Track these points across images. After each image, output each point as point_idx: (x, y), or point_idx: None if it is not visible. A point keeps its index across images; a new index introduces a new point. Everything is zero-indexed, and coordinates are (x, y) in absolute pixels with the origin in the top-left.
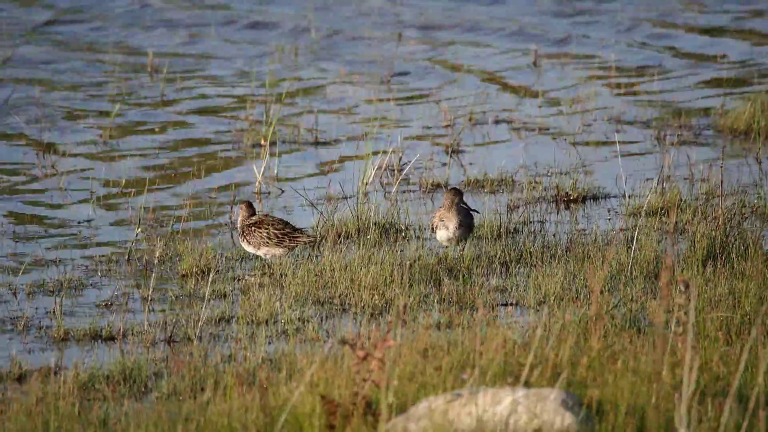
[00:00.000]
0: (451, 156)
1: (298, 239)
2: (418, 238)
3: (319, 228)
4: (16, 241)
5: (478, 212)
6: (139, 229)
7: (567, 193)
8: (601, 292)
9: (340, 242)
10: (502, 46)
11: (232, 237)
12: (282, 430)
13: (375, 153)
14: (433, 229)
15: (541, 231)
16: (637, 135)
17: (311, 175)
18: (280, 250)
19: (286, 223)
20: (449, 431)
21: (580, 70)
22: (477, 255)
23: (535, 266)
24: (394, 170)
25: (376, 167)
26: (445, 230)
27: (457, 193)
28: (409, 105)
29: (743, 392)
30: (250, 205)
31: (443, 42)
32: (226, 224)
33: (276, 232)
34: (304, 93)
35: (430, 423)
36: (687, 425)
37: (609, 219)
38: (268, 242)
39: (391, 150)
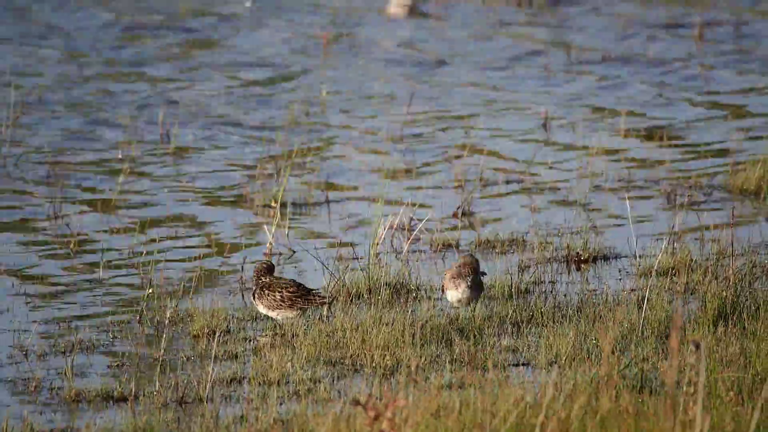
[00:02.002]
0: (461, 216)
1: (311, 302)
2: (429, 298)
3: (330, 288)
4: (27, 302)
5: (485, 273)
6: (150, 290)
7: (578, 253)
8: (612, 352)
9: (352, 302)
10: (513, 106)
11: (243, 298)
12: None
13: (386, 214)
14: (443, 289)
15: (552, 291)
16: (647, 194)
17: (322, 236)
18: (293, 312)
19: (299, 285)
20: None
21: (590, 130)
22: (488, 315)
23: (546, 326)
24: (405, 230)
25: (386, 227)
26: (456, 291)
27: (474, 262)
28: (420, 165)
29: None
30: (268, 264)
31: (454, 102)
32: (237, 285)
33: (289, 294)
34: (314, 153)
35: None
36: None
37: (620, 279)
38: (281, 305)
39: (401, 211)
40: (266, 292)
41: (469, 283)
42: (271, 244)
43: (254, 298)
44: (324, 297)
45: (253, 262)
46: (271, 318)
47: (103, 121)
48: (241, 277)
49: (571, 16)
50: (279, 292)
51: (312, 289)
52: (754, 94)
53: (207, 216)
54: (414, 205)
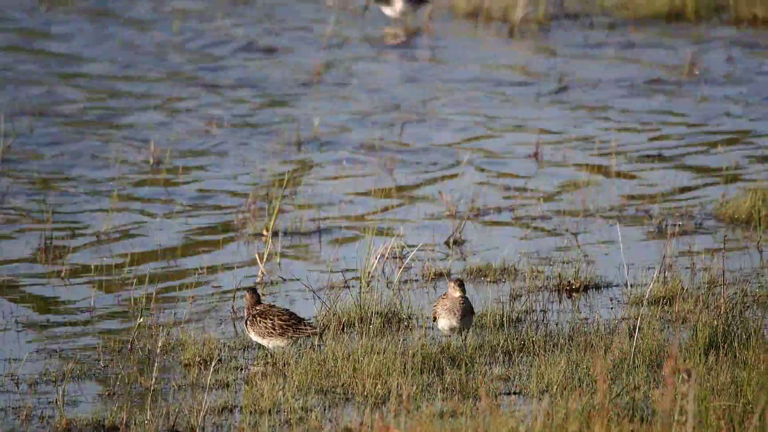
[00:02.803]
0: (453, 245)
1: (302, 331)
2: (421, 327)
3: (321, 317)
4: (19, 330)
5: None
6: (141, 319)
7: (569, 282)
8: (604, 381)
9: (343, 331)
10: (504, 135)
11: (234, 326)
12: None
13: (377, 243)
14: (434, 318)
15: (543, 320)
16: (639, 223)
17: (313, 264)
18: (284, 341)
19: (291, 314)
20: None
21: (581, 158)
22: (480, 344)
23: (537, 355)
24: (396, 259)
25: (378, 256)
26: (447, 319)
27: (461, 284)
28: (412, 194)
29: None
30: (254, 292)
31: (447, 132)
32: (228, 314)
33: (280, 323)
34: (306, 182)
35: None
36: None
37: (611, 308)
38: (272, 333)
39: (393, 240)
40: (258, 319)
41: (460, 313)
42: (262, 272)
43: (246, 325)
44: (315, 327)
45: (242, 289)
46: (263, 346)
47: (95, 147)
48: (233, 306)
49: (561, 44)
50: (271, 320)
51: (303, 319)
52: (747, 121)
53: (198, 244)
54: (405, 233)
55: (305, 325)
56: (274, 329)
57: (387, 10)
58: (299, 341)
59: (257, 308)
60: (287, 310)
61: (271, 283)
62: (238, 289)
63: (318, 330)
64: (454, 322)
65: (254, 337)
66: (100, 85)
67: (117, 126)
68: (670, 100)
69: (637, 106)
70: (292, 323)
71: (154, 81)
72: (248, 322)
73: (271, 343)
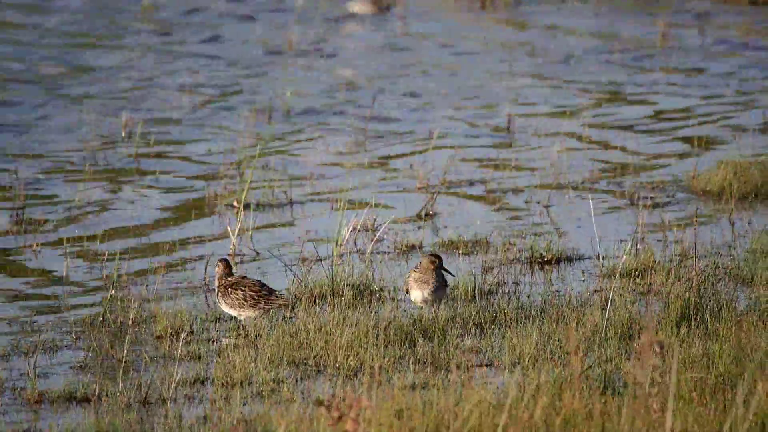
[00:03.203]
0: (425, 218)
1: (273, 302)
2: (393, 299)
3: (293, 289)
4: None
5: (453, 275)
6: (113, 291)
7: (541, 254)
8: (576, 353)
9: (315, 303)
10: (476, 108)
11: (206, 299)
12: None
13: (349, 214)
14: (407, 290)
15: (515, 292)
16: (611, 196)
17: (285, 238)
18: (255, 312)
19: (263, 285)
20: None
21: (553, 131)
22: (452, 316)
23: (509, 327)
24: (368, 231)
25: (350, 229)
26: (420, 291)
27: (437, 258)
28: (384, 167)
29: None
30: (227, 263)
31: (419, 104)
32: (200, 286)
33: (252, 294)
34: (277, 155)
35: None
36: None
37: (583, 280)
38: (243, 304)
39: (365, 212)
40: (230, 290)
41: (433, 285)
42: (234, 245)
43: (218, 296)
44: (286, 299)
45: (214, 257)
46: (235, 318)
47: (68, 122)
48: (205, 278)
49: (535, 16)
50: (242, 290)
51: (275, 290)
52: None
53: (170, 217)
54: (377, 206)
55: (276, 296)
56: (246, 300)
57: None
58: (271, 312)
59: (229, 279)
60: (259, 281)
61: (243, 255)
62: (209, 263)
63: (290, 301)
64: (426, 294)
65: (226, 309)
66: (72, 56)
67: (89, 96)
68: (642, 71)
69: (609, 77)
70: (263, 294)
71: (125, 50)
72: (220, 294)
73: (243, 314)
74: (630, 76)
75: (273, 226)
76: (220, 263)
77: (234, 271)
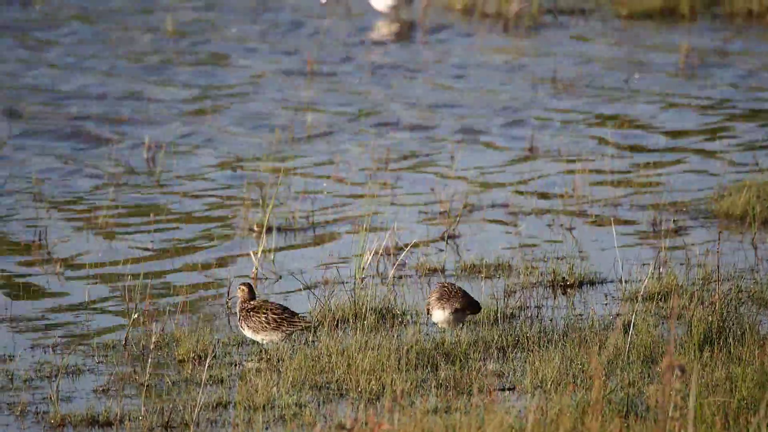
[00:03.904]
0: (447, 241)
1: (296, 324)
2: (415, 323)
3: (315, 313)
4: (13, 327)
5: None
6: (136, 315)
7: (564, 278)
8: (598, 377)
9: (337, 327)
10: (499, 128)
11: (229, 322)
12: None
13: (371, 238)
14: (428, 311)
15: (538, 316)
16: (633, 219)
17: (307, 260)
18: (278, 335)
19: (285, 308)
20: None
21: (576, 152)
22: (474, 340)
23: (532, 351)
24: (390, 255)
25: (372, 253)
26: (441, 311)
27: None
28: (406, 192)
29: None
30: (250, 288)
31: (438, 126)
32: (222, 310)
33: (274, 317)
34: (299, 178)
35: None
36: None
37: (606, 304)
38: (266, 327)
39: (387, 236)
40: (252, 314)
41: (456, 306)
42: (256, 269)
43: (240, 321)
44: (309, 321)
45: (237, 278)
46: (257, 342)
47: (90, 143)
48: (227, 302)
49: (555, 39)
50: (264, 314)
51: (297, 313)
52: (739, 120)
53: (192, 241)
54: (399, 228)
55: (299, 319)
56: (269, 323)
57: (376, 3)
58: (293, 336)
59: (251, 303)
60: (281, 305)
61: (265, 279)
62: (231, 286)
63: (312, 323)
64: (447, 313)
65: (248, 333)
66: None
67: (112, 119)
68: (664, 98)
69: (632, 100)
70: (285, 317)
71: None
72: (242, 318)
73: (266, 337)
74: (651, 97)
75: (294, 249)
76: (243, 287)
77: (256, 294)
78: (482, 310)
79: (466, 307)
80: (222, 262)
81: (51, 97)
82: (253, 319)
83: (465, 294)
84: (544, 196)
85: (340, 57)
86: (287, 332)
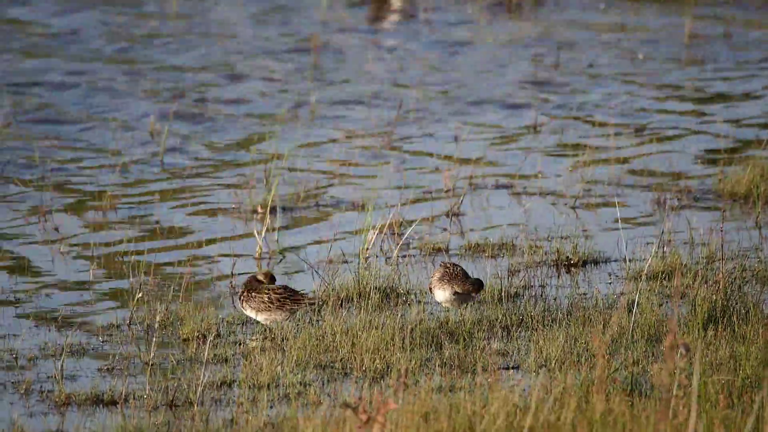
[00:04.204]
0: (451, 220)
1: (299, 302)
2: (419, 302)
3: (319, 292)
4: (17, 306)
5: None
6: (140, 294)
7: (567, 257)
8: (602, 356)
9: (341, 306)
10: (502, 108)
11: (233, 302)
12: None
13: (375, 217)
14: (430, 289)
15: (542, 295)
16: (637, 199)
17: (311, 240)
18: (282, 314)
19: (286, 287)
20: None
21: (579, 131)
22: (478, 319)
23: (536, 330)
24: (394, 234)
25: (376, 231)
26: (442, 291)
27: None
28: (410, 169)
29: None
30: (272, 278)
31: (444, 107)
32: (227, 289)
33: (276, 296)
34: (303, 156)
35: None
36: None
37: (610, 283)
38: (269, 306)
39: (391, 215)
40: (253, 294)
41: (455, 289)
42: (260, 248)
43: (241, 300)
44: (312, 299)
45: (242, 273)
46: (260, 321)
47: (96, 124)
48: (231, 281)
49: (558, 20)
50: (266, 293)
51: (298, 291)
52: (749, 99)
53: (196, 220)
54: (404, 205)
55: (301, 296)
56: (272, 303)
57: None
58: (297, 314)
59: (254, 284)
60: (282, 285)
61: (269, 258)
62: (235, 265)
63: (315, 301)
64: (448, 293)
65: (250, 313)
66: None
67: (117, 98)
68: (670, 72)
69: (636, 78)
70: (288, 295)
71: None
72: (243, 298)
73: (269, 317)
74: (656, 76)
75: (299, 229)
76: (265, 274)
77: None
78: (486, 289)
79: (469, 291)
80: (226, 242)
81: (60, 79)
82: (256, 299)
83: (465, 276)
84: (547, 175)
85: (344, 40)
86: (292, 310)
